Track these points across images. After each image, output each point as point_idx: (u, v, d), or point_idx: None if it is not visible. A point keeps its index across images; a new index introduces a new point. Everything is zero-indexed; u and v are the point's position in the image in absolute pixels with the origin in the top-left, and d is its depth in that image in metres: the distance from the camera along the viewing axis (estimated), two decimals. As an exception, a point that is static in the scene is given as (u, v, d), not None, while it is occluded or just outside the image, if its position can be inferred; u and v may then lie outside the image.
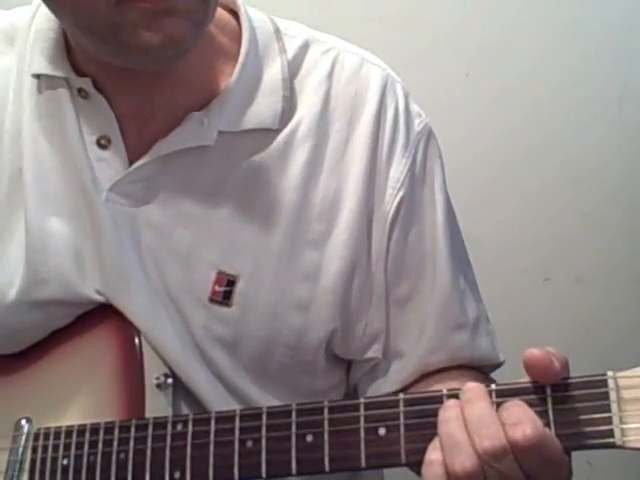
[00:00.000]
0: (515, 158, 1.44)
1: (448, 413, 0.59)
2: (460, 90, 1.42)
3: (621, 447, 0.56)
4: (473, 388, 0.60)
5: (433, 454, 0.59)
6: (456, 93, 1.41)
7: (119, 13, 0.64)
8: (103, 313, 0.77)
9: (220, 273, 0.76)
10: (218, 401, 0.77)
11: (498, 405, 0.59)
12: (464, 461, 0.56)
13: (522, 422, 0.56)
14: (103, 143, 0.76)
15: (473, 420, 0.57)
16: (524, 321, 1.41)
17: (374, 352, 0.81)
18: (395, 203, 0.78)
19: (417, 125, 0.81)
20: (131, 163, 0.75)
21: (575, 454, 0.60)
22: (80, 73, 0.75)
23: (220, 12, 0.78)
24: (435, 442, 0.60)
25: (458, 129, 1.39)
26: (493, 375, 0.85)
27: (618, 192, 1.48)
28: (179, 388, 0.76)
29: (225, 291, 0.76)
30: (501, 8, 1.43)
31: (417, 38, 1.40)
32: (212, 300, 0.76)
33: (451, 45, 1.41)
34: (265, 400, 0.78)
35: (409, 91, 0.83)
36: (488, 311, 0.85)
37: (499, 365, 0.84)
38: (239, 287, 0.76)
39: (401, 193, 0.78)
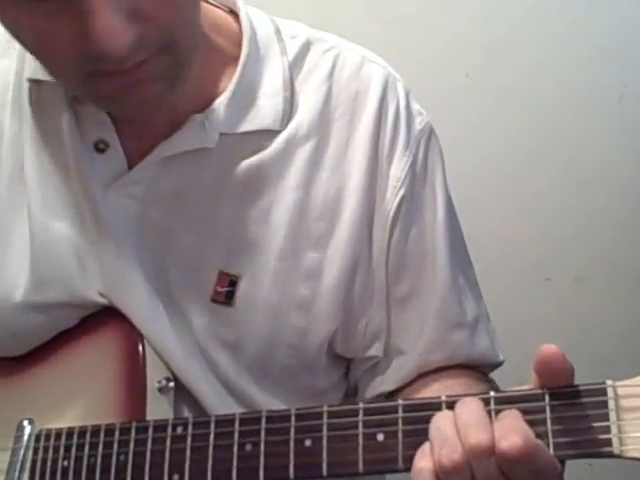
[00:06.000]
0: (515, 158, 1.45)
1: (440, 413, 0.59)
2: (460, 90, 1.42)
3: (619, 456, 0.56)
4: (468, 397, 0.60)
5: (422, 461, 0.58)
6: (456, 93, 1.41)
7: (90, 87, 0.65)
8: (107, 316, 0.77)
9: (222, 273, 0.76)
10: (218, 402, 0.77)
11: (497, 413, 0.58)
12: (451, 453, 0.56)
13: (513, 431, 0.55)
14: (101, 147, 0.75)
15: (463, 417, 0.57)
16: (524, 321, 1.42)
17: (375, 351, 0.81)
18: (396, 202, 0.78)
19: (418, 123, 0.80)
20: (130, 166, 0.75)
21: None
22: None
23: (220, 14, 0.78)
24: (424, 447, 0.59)
25: (458, 129, 1.40)
26: (493, 374, 0.85)
27: (618, 192, 1.48)
28: (181, 391, 0.76)
29: (227, 291, 0.76)
30: (501, 9, 1.43)
31: (417, 38, 1.41)
32: (214, 300, 0.76)
33: (451, 45, 1.42)
34: (264, 399, 0.78)
35: (410, 89, 0.82)
36: (488, 311, 0.85)
37: (499, 365, 0.84)
38: (241, 287, 0.76)
39: (402, 192, 0.78)
